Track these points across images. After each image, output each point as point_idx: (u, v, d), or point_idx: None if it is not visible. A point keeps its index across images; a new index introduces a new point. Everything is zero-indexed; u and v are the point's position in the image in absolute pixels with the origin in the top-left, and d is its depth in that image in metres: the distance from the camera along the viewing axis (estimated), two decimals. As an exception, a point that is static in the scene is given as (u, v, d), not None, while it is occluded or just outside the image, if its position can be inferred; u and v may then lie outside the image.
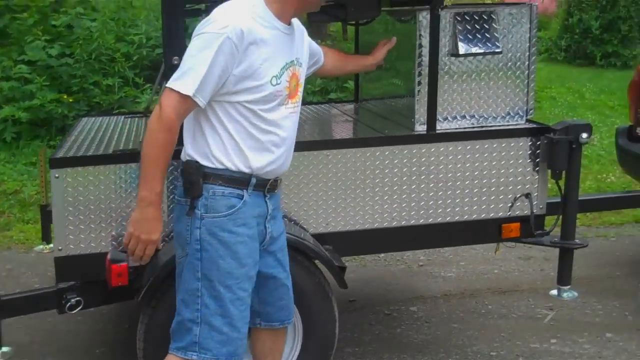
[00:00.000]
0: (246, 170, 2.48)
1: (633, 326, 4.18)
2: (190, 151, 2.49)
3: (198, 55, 2.34)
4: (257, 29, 2.39)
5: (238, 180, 2.48)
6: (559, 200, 3.57)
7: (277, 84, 2.45)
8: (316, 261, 3.17)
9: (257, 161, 2.48)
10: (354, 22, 4.04)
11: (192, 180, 2.44)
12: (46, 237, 4.13)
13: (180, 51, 2.60)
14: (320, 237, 3.28)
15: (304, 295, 3.09)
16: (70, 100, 7.63)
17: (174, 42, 3.00)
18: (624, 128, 5.02)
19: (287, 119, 2.54)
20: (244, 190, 2.49)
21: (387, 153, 3.33)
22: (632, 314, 4.35)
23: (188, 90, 2.33)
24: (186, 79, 2.33)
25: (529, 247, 5.18)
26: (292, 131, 2.61)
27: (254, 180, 2.50)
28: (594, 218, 5.89)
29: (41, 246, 4.23)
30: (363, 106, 4.36)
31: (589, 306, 4.43)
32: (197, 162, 2.46)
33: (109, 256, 2.94)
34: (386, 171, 3.34)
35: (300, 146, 3.13)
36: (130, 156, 3.06)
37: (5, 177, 6.86)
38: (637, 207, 5.14)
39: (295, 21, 2.64)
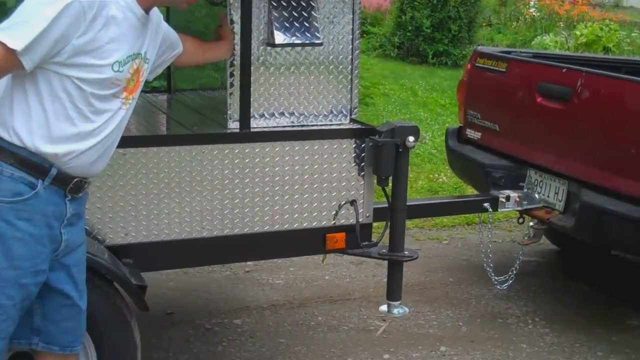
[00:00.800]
0: (47, 156, 2.16)
1: (467, 337, 4.06)
2: None
3: (37, 9, 2.04)
4: (112, 3, 2.15)
5: (34, 165, 2.15)
6: (385, 205, 3.32)
7: (119, 71, 2.20)
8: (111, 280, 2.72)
9: (64, 148, 2.17)
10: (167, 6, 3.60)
11: None
12: None
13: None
14: (118, 250, 2.86)
15: (96, 319, 2.64)
16: None
17: None
18: (453, 129, 4.92)
19: (115, 114, 2.27)
20: (39, 180, 2.16)
21: (194, 153, 2.93)
22: (465, 324, 4.23)
23: (16, 44, 2.00)
24: (17, 31, 2.02)
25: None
26: (116, 131, 2.32)
27: (54, 172, 2.18)
28: (425, 220, 5.79)
29: None
30: (176, 97, 3.93)
31: (423, 316, 4.27)
32: None
33: None
34: (194, 174, 2.94)
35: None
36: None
37: None
38: (467, 212, 5.06)
39: (155, 11, 2.41)
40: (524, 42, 15.25)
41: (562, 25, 16.15)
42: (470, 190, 6.75)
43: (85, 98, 2.17)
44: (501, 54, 4.71)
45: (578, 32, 14.10)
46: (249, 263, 4.87)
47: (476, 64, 4.76)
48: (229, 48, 2.99)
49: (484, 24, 15.73)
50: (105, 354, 2.72)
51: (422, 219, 5.78)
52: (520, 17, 17.26)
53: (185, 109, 3.64)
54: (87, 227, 2.78)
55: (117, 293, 2.73)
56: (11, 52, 2.00)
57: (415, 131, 3.13)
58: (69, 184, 2.24)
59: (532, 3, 18.41)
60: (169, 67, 4.01)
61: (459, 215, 5.89)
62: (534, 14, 17.29)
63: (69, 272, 2.36)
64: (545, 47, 13.64)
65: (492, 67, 4.62)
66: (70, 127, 2.18)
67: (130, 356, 2.76)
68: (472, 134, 4.77)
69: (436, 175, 7.15)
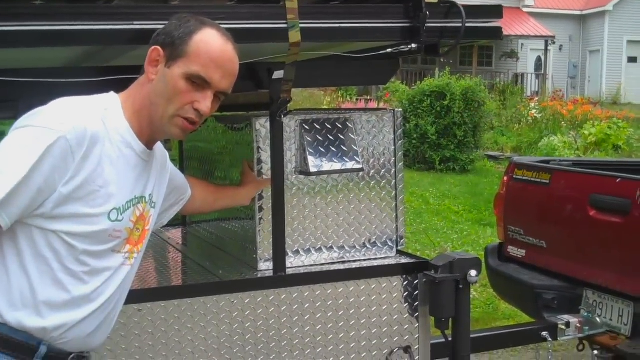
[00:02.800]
0: (34, 332, 1.72)
1: None
2: None
3: (14, 153, 1.67)
4: (105, 138, 1.76)
5: (19, 345, 1.71)
6: (443, 340, 2.84)
7: (117, 220, 1.80)
8: None
9: (54, 319, 1.74)
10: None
11: None
12: None
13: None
14: None
15: None
16: None
17: None
18: (494, 247, 4.50)
19: (116, 272, 1.85)
20: None
21: (222, 304, 2.48)
22: None
23: None
24: None
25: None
26: (119, 292, 1.89)
27: (43, 350, 1.74)
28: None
29: None
30: (192, 231, 3.51)
31: None
32: None
33: None
34: (222, 328, 2.49)
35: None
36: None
37: None
38: (524, 343, 4.55)
39: (160, 148, 2.03)
40: (529, 144, 15.13)
41: (565, 125, 16.07)
42: (504, 307, 6.30)
43: (76, 257, 1.75)
44: (542, 165, 4.35)
45: (586, 132, 13.97)
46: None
47: (514, 176, 4.39)
48: (248, 196, 2.62)
49: (487, 128, 15.65)
50: None
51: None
52: (522, 119, 17.23)
53: (204, 245, 3.22)
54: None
55: None
56: None
57: (477, 264, 2.70)
58: None
59: (533, 105, 18.45)
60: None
61: (505, 348, 5.37)
62: (536, 115, 17.25)
63: None
64: (553, 148, 13.47)
65: (532, 179, 4.25)
66: (61, 293, 1.76)
67: None
68: (515, 251, 4.35)
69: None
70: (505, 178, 4.50)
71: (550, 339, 3.68)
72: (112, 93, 1.89)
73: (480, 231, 9.15)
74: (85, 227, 1.75)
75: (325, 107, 14.85)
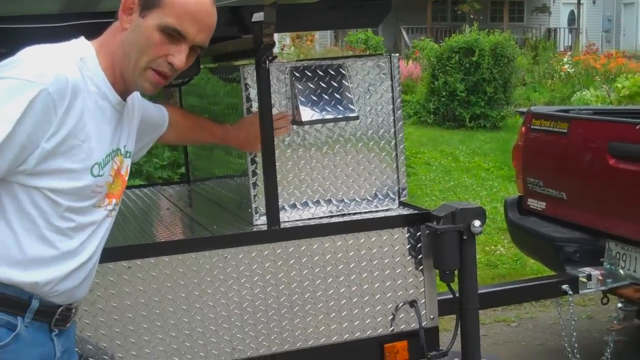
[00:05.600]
0: (25, 288, 1.71)
1: None
2: None
3: None
4: (84, 90, 1.70)
5: (10, 300, 1.70)
6: (450, 296, 2.74)
7: (99, 175, 1.78)
8: None
9: (45, 274, 1.73)
10: (177, 84, 3.17)
11: None
12: None
13: None
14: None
15: None
16: None
17: None
18: (513, 200, 4.37)
19: (100, 225, 1.84)
20: (19, 318, 1.71)
21: (215, 259, 2.41)
22: None
23: None
24: None
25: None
26: (102, 242, 1.89)
27: (35, 304, 1.73)
28: (488, 303, 5.15)
29: None
30: (196, 189, 3.45)
31: None
32: None
33: None
34: (216, 284, 2.42)
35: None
36: None
37: None
38: (545, 297, 4.43)
39: (131, 102, 1.97)
40: (562, 99, 14.80)
41: (599, 79, 15.65)
42: (532, 263, 6.15)
43: (61, 213, 1.73)
44: (560, 114, 4.18)
45: (619, 85, 13.56)
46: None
47: (532, 126, 4.23)
48: (238, 136, 2.55)
49: (518, 84, 15.33)
50: None
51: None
52: (555, 74, 16.83)
53: (205, 202, 3.16)
54: (89, 355, 2.29)
55: None
56: None
57: (480, 214, 2.57)
58: (54, 316, 1.79)
59: (565, 59, 18.01)
60: (186, 154, 3.60)
61: (525, 302, 5.26)
62: (568, 70, 16.83)
63: None
64: (586, 103, 13.15)
65: (551, 129, 4.09)
66: (48, 250, 1.73)
67: None
68: (535, 204, 4.22)
69: (492, 247, 6.55)
70: (523, 129, 4.34)
71: (571, 293, 3.55)
72: (83, 39, 1.82)
73: (510, 188, 8.96)
74: (68, 183, 1.71)
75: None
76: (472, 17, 22.46)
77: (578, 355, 3.63)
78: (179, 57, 1.77)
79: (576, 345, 3.64)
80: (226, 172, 2.89)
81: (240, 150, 2.63)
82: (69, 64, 1.69)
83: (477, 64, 12.74)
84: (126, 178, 1.94)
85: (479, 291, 2.88)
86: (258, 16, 2.21)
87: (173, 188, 3.54)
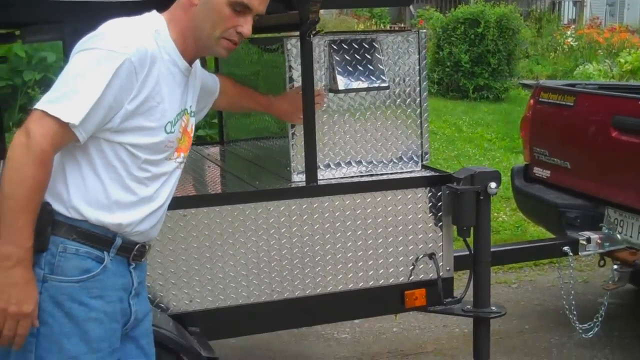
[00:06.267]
0: (110, 228, 1.97)
1: (551, 389, 3.73)
2: None
3: (87, 75, 1.84)
4: (159, 58, 1.95)
5: (98, 237, 1.96)
6: (467, 253, 3.05)
7: (171, 132, 2.02)
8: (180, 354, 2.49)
9: (127, 216, 1.99)
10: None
11: (37, 227, 1.85)
12: None
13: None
14: (183, 318, 2.64)
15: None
16: None
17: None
18: (519, 168, 4.64)
19: (171, 175, 2.10)
20: (105, 253, 1.98)
21: (259, 211, 2.71)
22: (548, 374, 3.90)
23: (72, 118, 1.81)
24: (69, 103, 1.82)
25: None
26: (172, 190, 2.15)
27: (118, 241, 2.00)
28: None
29: None
30: (230, 149, 3.74)
31: (504, 370, 3.96)
32: (47, 203, 1.91)
33: None
34: (260, 233, 2.72)
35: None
36: None
37: None
38: (546, 257, 4.75)
39: (196, 67, 2.20)
40: (565, 73, 14.97)
41: (602, 53, 15.83)
42: (533, 229, 6.47)
43: (139, 165, 1.99)
44: (567, 88, 4.45)
45: (622, 60, 13.77)
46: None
47: (540, 99, 4.50)
48: (290, 111, 2.83)
49: (522, 56, 15.49)
50: None
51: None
52: (558, 48, 16.99)
53: (241, 161, 3.44)
54: (150, 296, 2.59)
55: (186, 367, 2.50)
56: (65, 126, 1.83)
57: (496, 177, 2.88)
58: (132, 251, 2.06)
59: (569, 32, 18.15)
60: (220, 116, 3.88)
61: (528, 261, 5.58)
62: (572, 43, 16.99)
63: (139, 345, 2.17)
64: (588, 77, 13.35)
65: (557, 102, 4.35)
66: (129, 196, 2.00)
67: None
68: (540, 172, 4.50)
69: (495, 214, 6.83)
70: (531, 101, 4.61)
71: (571, 254, 3.86)
72: (155, 13, 2.06)
73: (512, 158, 9.22)
74: (146, 139, 1.96)
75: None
76: (477, -13, 22.49)
77: (575, 312, 3.95)
78: (247, 26, 2.01)
79: (573, 303, 3.96)
80: (264, 134, 3.17)
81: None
82: (146, 35, 1.93)
83: (482, 36, 12.87)
84: (192, 135, 2.20)
85: (494, 250, 3.20)
86: (307, -6, 2.48)
87: (208, 148, 3.82)
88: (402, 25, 19.31)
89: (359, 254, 2.86)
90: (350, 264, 2.86)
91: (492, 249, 3.53)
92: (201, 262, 2.66)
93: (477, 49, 12.91)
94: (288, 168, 2.89)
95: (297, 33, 2.72)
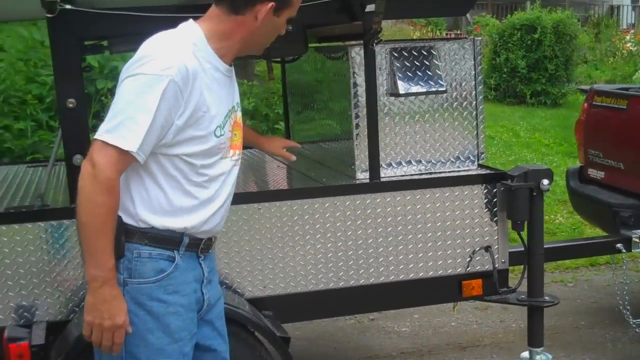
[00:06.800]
0: (177, 230, 2.14)
1: (607, 382, 3.88)
2: None
3: (137, 101, 1.98)
4: (201, 71, 2.07)
5: (168, 239, 2.13)
6: (521, 249, 3.24)
7: (221, 135, 2.16)
8: (256, 332, 2.75)
9: (191, 219, 2.15)
10: (279, 60, 3.70)
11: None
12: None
13: (76, 93, 2.17)
14: (257, 302, 2.90)
15: (242, 374, 2.67)
16: (-19, 144, 7.05)
17: (69, 83, 2.59)
18: (574, 170, 4.79)
19: (228, 174, 2.24)
20: (175, 252, 2.15)
21: (327, 205, 2.96)
22: (603, 368, 4.04)
23: (130, 146, 1.96)
24: (125, 131, 1.97)
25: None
26: (232, 186, 2.29)
27: (186, 240, 2.16)
28: (548, 263, 5.60)
29: None
30: (296, 151, 3.99)
31: (560, 363, 4.11)
32: (119, 216, 2.09)
33: (6, 333, 2.50)
34: (327, 225, 2.97)
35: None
36: (31, 214, 2.67)
37: None
38: (600, 254, 4.87)
39: None
40: (623, 77, 14.83)
41: (662, 57, 15.64)
42: (589, 231, 6.56)
43: (196, 171, 2.14)
44: (620, 91, 4.59)
45: (682, 64, 13.59)
46: (372, 311, 4.86)
47: (594, 103, 4.65)
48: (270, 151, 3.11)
49: (580, 62, 15.42)
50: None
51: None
52: (617, 52, 16.84)
53: (307, 161, 3.70)
54: (227, 281, 2.86)
55: (262, 345, 2.76)
56: (125, 152, 1.98)
57: (549, 174, 3.07)
58: (200, 246, 2.23)
59: (628, 37, 17.95)
60: (286, 120, 4.15)
61: (582, 257, 5.69)
62: (631, 48, 16.82)
63: (214, 327, 2.36)
64: (648, 81, 13.22)
65: (611, 105, 4.49)
66: (191, 200, 2.15)
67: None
68: (594, 173, 4.64)
69: (552, 216, 6.95)
70: (586, 105, 4.75)
71: (624, 251, 3.98)
72: (192, 22, 2.15)
73: (570, 163, 9.23)
74: (198, 147, 2.10)
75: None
76: (534, -7, 22.39)
77: (629, 308, 4.08)
78: (284, 29, 2.22)
79: (627, 299, 4.10)
80: (329, 137, 3.43)
81: (343, 115, 3.16)
82: (185, 52, 2.04)
83: (539, 41, 12.89)
84: (242, 129, 2.32)
85: (546, 246, 3.37)
86: (370, 7, 2.72)
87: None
88: (459, 32, 19.39)
89: (419, 246, 3.08)
90: (411, 255, 3.08)
91: (547, 246, 3.72)
92: (274, 251, 2.92)
93: (534, 55, 12.93)
94: (352, 167, 3.13)
95: (360, 41, 2.97)
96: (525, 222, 3.13)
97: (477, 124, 3.24)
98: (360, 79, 3.04)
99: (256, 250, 2.90)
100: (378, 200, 3.01)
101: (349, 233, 2.99)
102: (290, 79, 4.00)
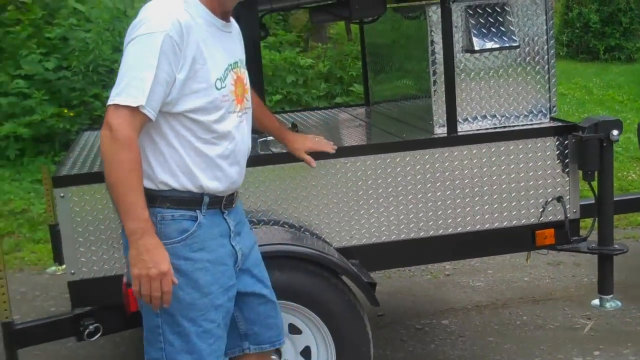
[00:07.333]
0: (196, 190, 2.25)
1: (679, 333, 4.00)
2: None
3: (139, 61, 2.11)
4: (193, 24, 2.17)
5: (188, 200, 2.25)
6: (591, 202, 3.37)
7: (222, 87, 2.24)
8: (343, 277, 2.97)
9: (208, 179, 2.26)
10: (357, 21, 3.86)
11: None
12: (58, 258, 3.93)
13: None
14: (344, 251, 3.10)
15: (334, 315, 2.91)
16: (72, 114, 7.49)
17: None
18: (645, 122, 4.83)
19: (237, 128, 2.33)
20: (197, 211, 2.26)
21: (408, 159, 3.14)
22: (675, 320, 4.15)
23: (137, 102, 2.08)
24: (132, 90, 2.09)
25: (557, 252, 4.98)
26: (244, 142, 2.39)
27: (206, 199, 2.28)
28: (619, 219, 5.66)
29: (54, 267, 4.06)
30: (375, 109, 4.20)
31: (629, 314, 4.22)
32: None
33: (125, 279, 2.71)
34: (408, 178, 3.15)
35: (317, 155, 3.01)
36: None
37: (12, 196, 6.69)
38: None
39: (233, 22, 2.46)
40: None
41: None
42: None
43: (205, 128, 2.23)
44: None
45: None
46: (447, 267, 5.05)
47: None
48: (292, 146, 2.98)
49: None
50: (344, 348, 2.96)
51: (615, 218, 5.68)
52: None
53: (386, 119, 3.88)
54: (317, 232, 3.08)
55: (350, 290, 2.98)
56: (134, 109, 2.08)
57: (618, 125, 3.18)
58: (222, 202, 2.33)
59: None
60: (365, 81, 4.33)
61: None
62: None
63: (252, 274, 2.48)
64: None
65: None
66: (205, 159, 2.25)
67: (364, 349, 2.98)
68: (668, 126, 4.67)
69: (624, 173, 6.96)
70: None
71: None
72: None
73: (643, 120, 9.17)
74: (201, 100, 2.19)
75: None
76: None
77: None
78: None
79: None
80: (406, 95, 3.59)
81: (420, 73, 3.32)
82: (177, 8, 2.15)
83: (613, -7, 12.64)
84: (247, 86, 2.40)
85: (617, 198, 3.48)
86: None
87: (355, 110, 4.31)
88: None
89: (495, 197, 3.24)
90: (487, 206, 3.24)
91: (618, 199, 3.82)
92: (359, 203, 3.12)
93: (608, 8, 12.67)
94: (430, 122, 3.30)
95: (435, 1, 3.12)
96: (596, 173, 3.25)
97: (549, 77, 3.36)
98: (437, 37, 3.19)
99: (343, 202, 3.10)
100: (455, 153, 3.18)
101: (428, 185, 3.18)
102: (368, 40, 4.17)
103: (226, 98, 2.25)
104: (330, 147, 3.03)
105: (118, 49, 8.03)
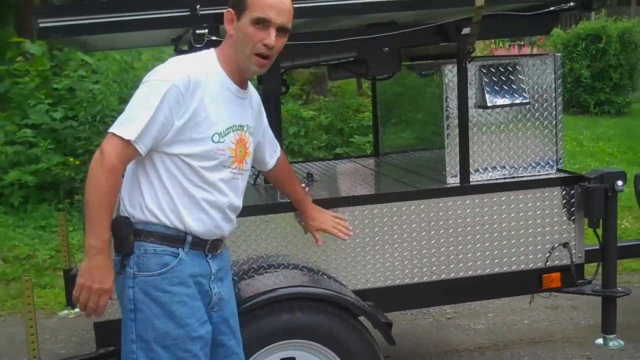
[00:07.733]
0: (181, 227, 2.40)
1: (676, 374, 4.13)
2: (125, 202, 2.44)
3: (142, 102, 2.31)
4: (205, 82, 2.36)
5: (172, 237, 2.40)
6: (595, 247, 3.56)
7: (220, 142, 2.40)
8: (361, 318, 3.11)
9: (192, 219, 2.41)
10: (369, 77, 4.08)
11: (121, 236, 2.36)
12: (71, 302, 4.00)
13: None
14: (360, 294, 3.24)
15: (352, 353, 3.03)
16: (77, 162, 7.65)
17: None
18: (641, 174, 5.05)
19: (227, 183, 2.47)
20: (180, 249, 2.41)
21: (422, 207, 3.32)
22: (673, 361, 4.29)
23: (130, 135, 2.27)
24: (129, 124, 2.29)
25: (555, 296, 5.13)
26: (234, 197, 2.52)
27: (189, 239, 2.42)
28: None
29: (66, 311, 4.20)
30: (385, 160, 4.38)
31: (627, 354, 4.36)
32: (127, 218, 2.39)
33: None
34: (422, 224, 3.33)
35: (335, 202, 3.19)
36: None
37: (17, 242, 6.80)
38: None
39: (254, 92, 2.63)
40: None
41: None
42: (657, 236, 6.74)
43: (196, 172, 2.38)
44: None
45: None
46: (448, 310, 5.18)
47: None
48: (308, 222, 3.09)
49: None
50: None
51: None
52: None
53: (397, 169, 4.07)
54: (334, 275, 3.23)
55: (367, 330, 3.12)
56: (126, 142, 2.27)
57: (622, 176, 3.40)
58: (206, 246, 2.46)
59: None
60: (375, 132, 4.53)
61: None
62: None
63: (228, 324, 2.59)
64: None
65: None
66: (190, 200, 2.39)
67: (380, 387, 3.12)
68: (663, 178, 4.88)
69: (618, 222, 7.10)
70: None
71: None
72: (212, 49, 2.50)
73: (634, 171, 9.33)
74: (197, 148, 2.36)
75: (479, 53, 15.19)
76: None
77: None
78: (270, 37, 2.36)
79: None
80: (419, 146, 3.79)
81: (435, 126, 3.52)
82: (193, 66, 2.37)
83: (604, 51, 12.95)
84: (250, 150, 2.55)
85: (620, 244, 3.67)
86: (466, 30, 3.10)
87: (365, 160, 4.51)
88: (522, 42, 19.46)
89: (504, 242, 3.43)
90: (496, 251, 3.42)
91: (623, 244, 4.01)
92: (375, 248, 3.29)
93: (599, 64, 13.00)
94: (443, 172, 3.49)
95: (451, 59, 3.35)
96: (600, 220, 3.45)
97: (556, 132, 3.58)
98: (452, 93, 3.40)
99: (360, 247, 3.27)
100: (467, 202, 3.37)
101: (441, 232, 3.35)
102: (380, 93, 4.38)
103: (222, 152, 2.41)
104: (343, 235, 3.12)
105: (125, 100, 8.23)
